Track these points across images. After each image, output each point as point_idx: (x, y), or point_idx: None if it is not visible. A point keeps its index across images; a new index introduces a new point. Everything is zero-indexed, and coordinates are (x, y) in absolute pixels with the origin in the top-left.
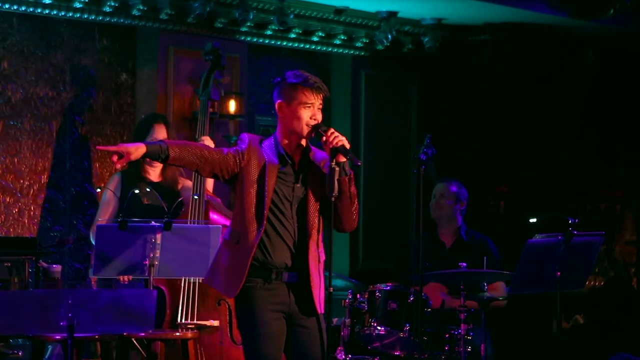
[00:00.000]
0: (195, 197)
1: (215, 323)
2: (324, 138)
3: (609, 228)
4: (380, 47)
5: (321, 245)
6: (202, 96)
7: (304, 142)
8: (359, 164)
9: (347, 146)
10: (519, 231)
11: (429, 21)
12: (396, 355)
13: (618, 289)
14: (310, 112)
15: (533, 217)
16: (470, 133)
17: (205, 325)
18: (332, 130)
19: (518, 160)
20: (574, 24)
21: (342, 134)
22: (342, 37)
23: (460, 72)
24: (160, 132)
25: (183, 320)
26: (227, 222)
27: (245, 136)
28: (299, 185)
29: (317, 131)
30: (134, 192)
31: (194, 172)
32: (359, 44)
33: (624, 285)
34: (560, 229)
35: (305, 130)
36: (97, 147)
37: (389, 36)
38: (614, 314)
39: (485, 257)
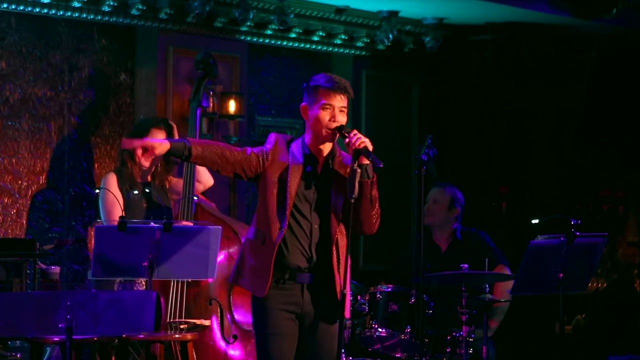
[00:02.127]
0: (195, 198)
1: (206, 322)
2: (347, 140)
3: (611, 229)
4: (381, 46)
5: (343, 248)
6: (192, 102)
7: (329, 145)
8: (382, 165)
9: (370, 148)
10: (521, 232)
11: (430, 21)
12: (397, 357)
13: (621, 291)
14: (329, 114)
15: (535, 219)
16: (472, 133)
17: (195, 324)
18: (355, 131)
19: (520, 161)
20: (577, 23)
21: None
22: (343, 37)
23: (462, 72)
24: (159, 137)
25: (171, 320)
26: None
27: (272, 136)
28: (321, 188)
29: (340, 133)
30: (133, 192)
31: (185, 176)
32: (359, 44)
33: (627, 287)
34: (563, 230)
35: (325, 132)
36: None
37: (390, 36)
38: (617, 316)
39: (486, 259)
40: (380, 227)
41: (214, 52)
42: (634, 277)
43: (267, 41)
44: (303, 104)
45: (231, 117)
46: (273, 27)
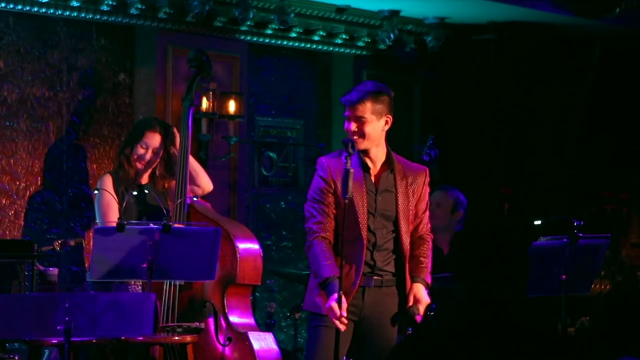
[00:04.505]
0: (195, 199)
1: (201, 325)
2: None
3: (615, 230)
4: (382, 46)
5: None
6: (185, 101)
7: (380, 153)
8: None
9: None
10: (523, 233)
11: (431, 20)
12: None
13: (626, 293)
14: (346, 125)
15: (537, 220)
16: (474, 134)
17: (190, 327)
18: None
19: (522, 162)
20: (580, 22)
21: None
22: (344, 37)
23: (464, 71)
24: (153, 140)
25: (166, 324)
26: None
27: (322, 162)
28: (380, 198)
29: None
30: (132, 193)
31: (178, 177)
32: (360, 43)
33: (631, 288)
34: (566, 231)
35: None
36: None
37: (391, 35)
38: (621, 318)
39: None
40: None
41: (213, 52)
42: (638, 278)
43: (267, 41)
44: None
45: (231, 117)
46: (273, 26)
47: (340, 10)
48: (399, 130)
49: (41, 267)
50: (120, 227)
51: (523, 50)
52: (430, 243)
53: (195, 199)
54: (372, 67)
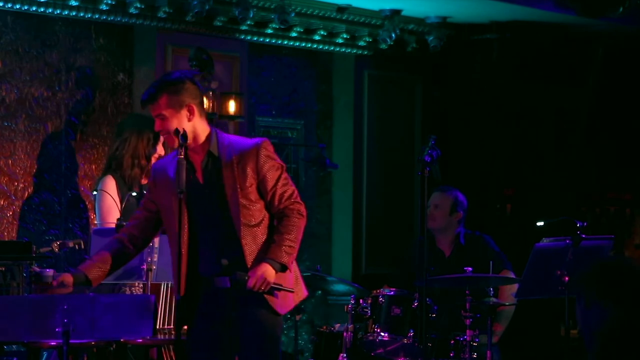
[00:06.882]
0: None
1: None
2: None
3: (618, 232)
4: (383, 46)
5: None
6: None
7: (197, 140)
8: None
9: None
10: (526, 235)
11: (433, 19)
12: None
13: None
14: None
15: (540, 221)
16: (476, 134)
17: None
18: None
19: (525, 162)
20: (583, 22)
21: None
22: (345, 36)
23: (466, 71)
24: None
25: (162, 326)
26: None
27: (151, 168)
28: (207, 191)
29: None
30: (131, 194)
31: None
32: (362, 43)
33: None
34: (568, 232)
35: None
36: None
37: (393, 35)
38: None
39: (491, 262)
40: (383, 230)
41: (213, 52)
42: None
43: (267, 40)
44: None
45: (231, 117)
46: (273, 26)
47: (341, 9)
48: (401, 129)
49: (37, 269)
50: (119, 228)
51: (525, 50)
52: (292, 217)
53: None
54: (374, 67)
